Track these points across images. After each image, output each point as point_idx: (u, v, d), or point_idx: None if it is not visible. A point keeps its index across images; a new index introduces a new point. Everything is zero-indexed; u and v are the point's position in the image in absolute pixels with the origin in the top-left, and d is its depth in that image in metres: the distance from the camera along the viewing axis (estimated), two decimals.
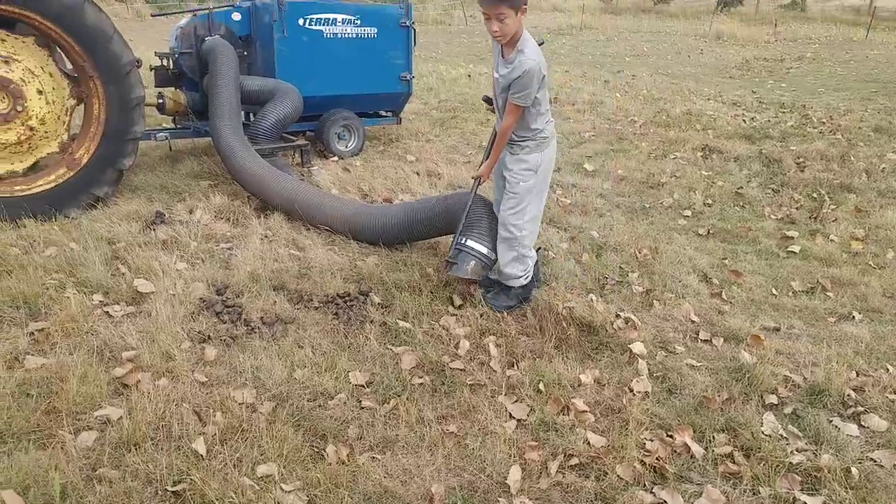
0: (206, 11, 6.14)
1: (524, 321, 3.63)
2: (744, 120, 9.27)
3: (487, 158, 3.74)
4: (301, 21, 6.12)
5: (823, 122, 9.14)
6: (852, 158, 7.14)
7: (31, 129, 4.67)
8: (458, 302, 3.78)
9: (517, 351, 3.35)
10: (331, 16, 6.28)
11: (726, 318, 3.87)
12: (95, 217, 4.75)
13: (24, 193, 4.67)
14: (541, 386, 3.05)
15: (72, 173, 4.84)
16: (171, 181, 5.63)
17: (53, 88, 4.74)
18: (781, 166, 6.96)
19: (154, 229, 4.49)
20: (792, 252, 4.91)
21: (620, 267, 4.46)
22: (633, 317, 3.72)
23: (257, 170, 5.01)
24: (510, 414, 2.87)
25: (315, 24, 6.20)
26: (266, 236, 4.51)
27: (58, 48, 4.80)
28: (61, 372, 2.84)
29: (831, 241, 5.14)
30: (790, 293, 4.29)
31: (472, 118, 8.71)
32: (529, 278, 3.78)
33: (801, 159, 7.15)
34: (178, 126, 6.45)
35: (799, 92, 12.39)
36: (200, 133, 6.26)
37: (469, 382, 3.05)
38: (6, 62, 4.51)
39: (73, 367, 2.86)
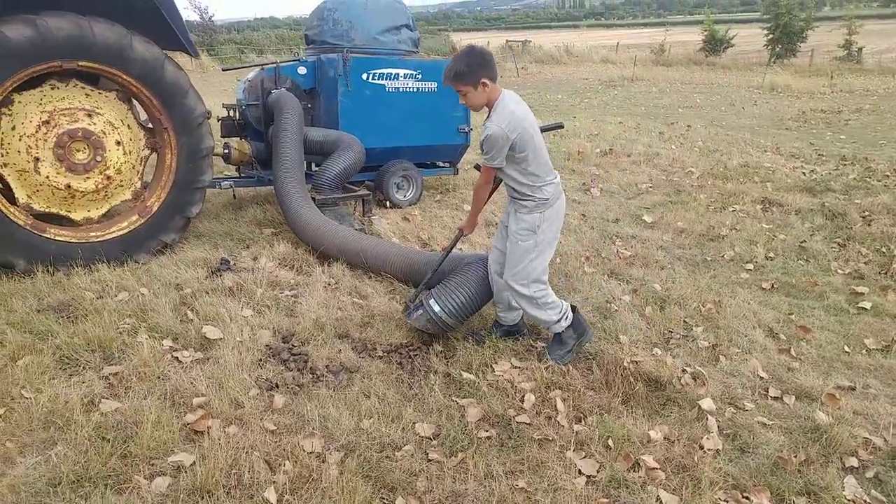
0: (274, 65, 6.36)
1: (590, 375, 3.58)
2: (803, 172, 9.12)
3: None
4: (364, 76, 6.29)
5: (888, 176, 8.91)
6: None
7: (109, 178, 4.86)
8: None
9: (584, 405, 3.30)
10: (393, 70, 6.44)
11: (797, 375, 3.75)
12: (163, 263, 4.89)
13: (99, 239, 4.85)
14: (610, 442, 2.99)
15: (143, 220, 5.01)
16: (236, 228, 5.78)
17: (131, 140, 4.95)
18: (846, 220, 6.79)
19: (220, 276, 4.60)
20: (863, 308, 4.76)
21: (685, 321, 4.38)
22: (700, 371, 3.64)
23: (314, 221, 5.16)
24: (579, 470, 2.81)
25: (378, 79, 6.37)
26: (329, 284, 4.58)
27: (137, 102, 5.03)
28: (136, 416, 2.89)
29: None
30: (863, 351, 4.15)
31: None
32: (570, 318, 3.74)
33: (867, 213, 6.97)
34: (242, 175, 6.64)
35: (859, 144, 12.13)
36: (264, 182, 6.45)
37: (537, 437, 3.01)
38: (89, 115, 4.74)
39: (147, 412, 2.92)
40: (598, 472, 2.82)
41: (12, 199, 4.64)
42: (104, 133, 4.80)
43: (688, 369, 3.69)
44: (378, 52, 6.53)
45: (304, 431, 2.95)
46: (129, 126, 4.96)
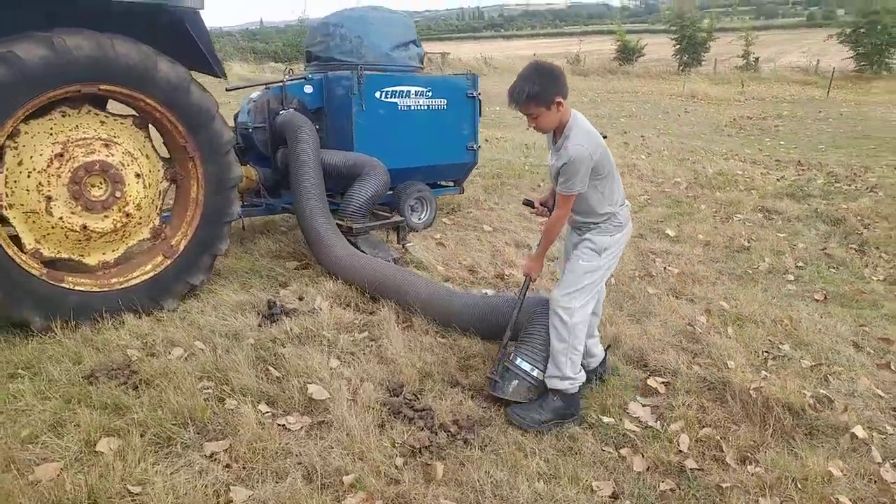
0: (280, 85, 5.90)
1: (725, 406, 3.38)
2: (776, 179, 9.34)
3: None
4: (378, 94, 5.92)
5: (852, 180, 9.26)
6: None
7: (128, 215, 4.30)
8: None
9: (740, 443, 3.09)
10: (404, 88, 6.11)
11: None
12: (201, 310, 4.37)
13: (122, 286, 4.28)
14: (797, 483, 2.79)
15: (169, 261, 4.47)
16: (257, 264, 5.28)
17: (150, 171, 4.40)
18: (846, 225, 6.93)
19: (277, 321, 4.12)
20: None
21: (769, 339, 4.27)
22: (827, 395, 3.52)
23: (347, 256, 4.88)
24: None
25: (390, 97, 6.01)
26: (398, 322, 4.18)
27: (157, 128, 4.48)
28: None
29: None
30: None
31: (519, 184, 8.60)
32: (576, 389, 3.25)
33: (859, 217, 7.16)
34: (247, 203, 6.11)
35: (801, 149, 12.62)
36: (274, 210, 5.97)
37: (724, 485, 2.77)
38: (107, 145, 4.17)
39: (301, 498, 2.48)
40: None
41: (18, 244, 4.01)
42: (123, 165, 4.22)
43: (806, 392, 3.55)
44: (389, 70, 6.17)
45: None
46: (147, 156, 4.40)
